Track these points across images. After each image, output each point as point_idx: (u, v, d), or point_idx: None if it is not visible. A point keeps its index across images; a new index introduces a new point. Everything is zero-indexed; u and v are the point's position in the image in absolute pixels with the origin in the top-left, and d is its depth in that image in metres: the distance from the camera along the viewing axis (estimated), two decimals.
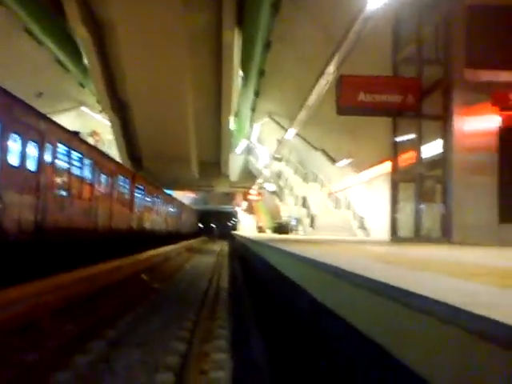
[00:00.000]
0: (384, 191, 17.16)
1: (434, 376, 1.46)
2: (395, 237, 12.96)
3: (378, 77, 11.77)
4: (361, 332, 2.15)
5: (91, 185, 13.26)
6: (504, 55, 10.60)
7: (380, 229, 18.83)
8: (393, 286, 1.85)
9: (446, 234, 10.15)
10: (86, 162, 12.75)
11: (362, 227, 23.58)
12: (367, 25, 7.90)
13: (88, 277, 10.21)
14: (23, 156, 8.84)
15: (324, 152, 27.92)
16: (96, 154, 13.90)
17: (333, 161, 26.55)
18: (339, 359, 2.88)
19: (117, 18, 17.96)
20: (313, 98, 12.51)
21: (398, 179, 13.26)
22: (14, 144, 8.56)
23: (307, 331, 4.35)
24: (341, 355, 2.85)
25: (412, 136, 12.13)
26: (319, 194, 30.02)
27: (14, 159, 8.57)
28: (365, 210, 23.74)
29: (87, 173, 12.89)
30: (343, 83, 10.39)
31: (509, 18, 10.64)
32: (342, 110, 10.69)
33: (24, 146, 8.85)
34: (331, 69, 10.07)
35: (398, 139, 13.11)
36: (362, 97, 10.34)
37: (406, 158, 12.67)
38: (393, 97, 10.58)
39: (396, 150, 13.27)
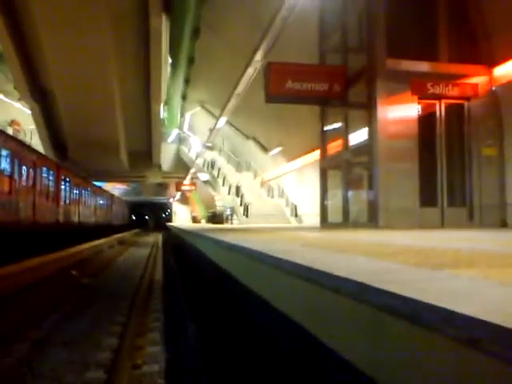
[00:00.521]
0: (314, 179, 17.57)
1: (350, 353, 1.49)
2: (325, 223, 13.33)
3: (306, 65, 11.94)
4: (283, 314, 2.17)
5: (10, 177, 12.47)
6: (423, 46, 11.14)
7: (312, 215, 19.30)
8: (309, 268, 1.87)
9: (373, 219, 10.56)
10: (3, 153, 11.96)
11: (295, 214, 24.05)
12: (293, 11, 7.94)
13: (9, 274, 9.64)
14: None
15: (255, 140, 28.11)
16: (15, 145, 13.07)
17: (265, 149, 26.81)
18: (272, 345, 2.91)
19: None
20: (242, 87, 12.49)
21: (326, 166, 13.60)
22: None
23: (237, 317, 4.37)
24: (272, 341, 2.88)
25: (340, 124, 12.46)
26: (252, 183, 30.24)
27: None
28: (297, 197, 24.22)
29: (5, 164, 12.10)
30: (271, 70, 10.42)
31: (423, 10, 11.19)
32: (270, 98, 10.72)
33: None
34: (259, 56, 10.05)
35: (327, 128, 13.43)
36: (289, 84, 10.43)
37: (335, 146, 13.01)
38: (319, 85, 10.78)
39: (324, 138, 13.58)
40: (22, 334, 6.45)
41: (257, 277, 3.13)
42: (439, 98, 10.91)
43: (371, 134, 10.83)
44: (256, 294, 3.05)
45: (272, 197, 28.13)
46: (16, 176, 12.88)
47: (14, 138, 13.76)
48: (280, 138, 23.18)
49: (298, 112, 16.30)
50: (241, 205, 27.17)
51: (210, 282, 7.34)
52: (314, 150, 17.30)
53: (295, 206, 24.27)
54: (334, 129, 12.99)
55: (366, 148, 10.98)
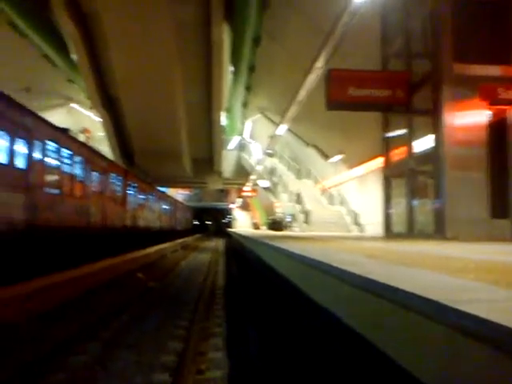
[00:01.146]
0: (377, 187, 17.21)
1: (420, 371, 1.47)
2: (389, 232, 13.00)
3: (367, 71, 11.76)
4: (350, 328, 2.17)
5: (83, 182, 13.16)
6: (491, 49, 10.64)
7: (374, 224, 18.91)
8: (379, 283, 1.86)
9: (439, 230, 10.16)
10: (77, 159, 12.65)
11: (357, 223, 23.65)
12: (355, 17, 7.87)
13: (82, 276, 10.18)
14: (10, 154, 8.71)
15: (316, 148, 27.96)
16: (87, 152, 13.80)
17: (325, 156, 26.59)
18: (331, 356, 2.90)
19: (103, 12, 17.70)
20: (303, 94, 12.49)
21: (389, 175, 13.29)
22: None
23: (302, 328, 4.37)
24: (334, 352, 2.87)
25: (403, 131, 12.16)
26: (313, 190, 30.07)
27: (0, 157, 8.43)
28: (359, 205, 23.82)
29: (78, 170, 12.78)
30: (332, 77, 10.35)
31: (494, 12, 10.69)
32: (331, 105, 10.64)
33: (11, 143, 8.73)
34: (320, 63, 10.02)
35: (390, 134, 13.14)
36: (351, 91, 10.31)
37: (398, 153, 12.71)
38: (382, 91, 10.57)
39: (387, 145, 13.29)
40: (95, 334, 6.81)
41: (320, 287, 3.13)
42: (511, 103, 10.36)
43: (437, 141, 10.47)
44: (318, 304, 3.05)
45: (333, 204, 27.83)
46: (88, 181, 13.58)
47: (86, 145, 14.48)
48: (341, 145, 22.93)
49: (359, 118, 16.06)
50: (301, 212, 27.08)
51: (271, 289, 7.38)
52: (376, 157, 16.96)
53: (356, 215, 23.87)
54: (398, 136, 12.68)
55: (432, 156, 10.62)
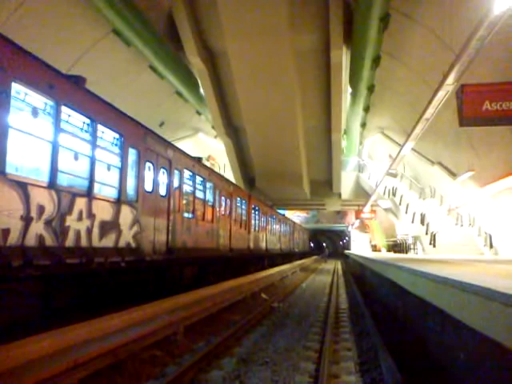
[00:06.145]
0: None
1: None
2: None
3: (505, 83, 10.93)
4: None
5: (212, 207, 13.97)
6: None
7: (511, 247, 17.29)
8: None
9: None
10: (208, 185, 13.50)
11: (489, 245, 21.78)
12: (493, 31, 7.40)
13: (214, 294, 10.78)
14: (155, 182, 9.62)
15: (441, 166, 26.46)
16: (216, 178, 14.64)
17: (452, 175, 25.03)
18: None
19: (229, 49, 19.05)
20: (430, 111, 11.97)
21: None
22: (148, 171, 9.36)
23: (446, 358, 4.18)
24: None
25: None
26: (438, 211, 28.44)
27: (148, 186, 9.37)
28: (491, 226, 21.95)
29: (209, 196, 13.61)
30: (465, 93, 9.81)
31: None
32: (465, 122, 10.05)
33: (156, 172, 9.65)
34: (451, 79, 9.56)
35: None
36: (487, 106, 9.68)
37: None
38: None
39: None
40: (228, 351, 7.15)
41: (478, 313, 2.99)
42: None
43: None
44: (476, 331, 2.92)
45: (461, 225, 25.99)
46: (217, 206, 14.38)
47: (215, 172, 15.33)
48: (470, 162, 21.43)
49: (489, 132, 14.94)
50: (426, 233, 25.70)
51: (410, 317, 7.13)
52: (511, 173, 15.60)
53: (489, 236, 21.98)
54: None
55: None
